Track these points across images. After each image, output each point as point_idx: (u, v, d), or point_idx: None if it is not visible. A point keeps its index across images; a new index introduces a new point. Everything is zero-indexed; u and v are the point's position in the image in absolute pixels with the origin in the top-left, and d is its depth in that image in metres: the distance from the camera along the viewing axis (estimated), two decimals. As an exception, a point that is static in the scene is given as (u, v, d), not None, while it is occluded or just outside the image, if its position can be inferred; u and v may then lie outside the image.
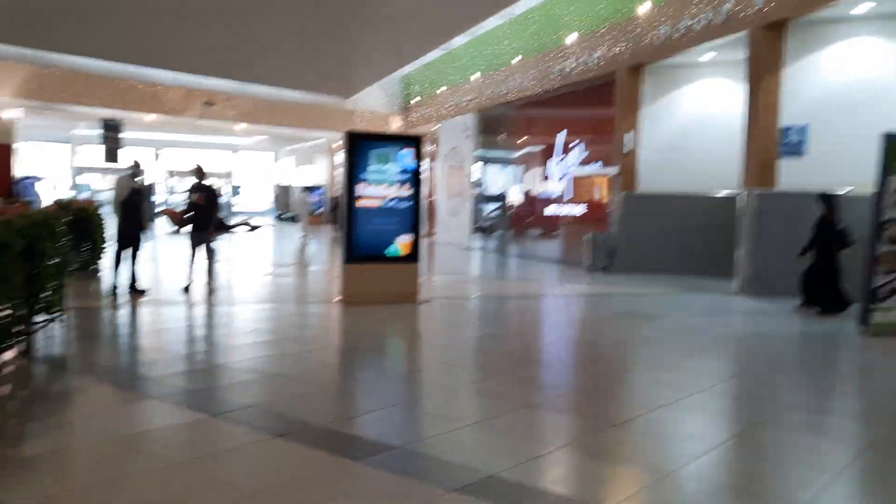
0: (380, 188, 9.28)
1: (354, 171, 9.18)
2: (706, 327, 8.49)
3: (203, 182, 10.11)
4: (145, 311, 8.55)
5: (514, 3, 17.49)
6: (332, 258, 16.36)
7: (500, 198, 20.53)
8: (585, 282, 13.02)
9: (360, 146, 9.21)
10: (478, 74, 21.14)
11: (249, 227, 28.38)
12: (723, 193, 13.24)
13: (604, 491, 3.64)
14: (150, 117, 30.41)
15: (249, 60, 21.64)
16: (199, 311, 8.72)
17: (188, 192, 10.08)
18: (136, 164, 9.86)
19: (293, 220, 37.06)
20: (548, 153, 18.04)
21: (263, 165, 45.55)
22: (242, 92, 28.32)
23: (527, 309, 10.16)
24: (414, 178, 9.46)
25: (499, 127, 20.68)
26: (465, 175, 21.49)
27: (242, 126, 32.03)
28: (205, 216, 9.87)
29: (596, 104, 16.30)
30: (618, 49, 14.48)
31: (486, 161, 21.38)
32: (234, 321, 8.21)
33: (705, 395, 5.35)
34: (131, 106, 29.02)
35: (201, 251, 9.92)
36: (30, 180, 36.52)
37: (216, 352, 6.64)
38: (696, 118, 13.99)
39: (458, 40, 22.34)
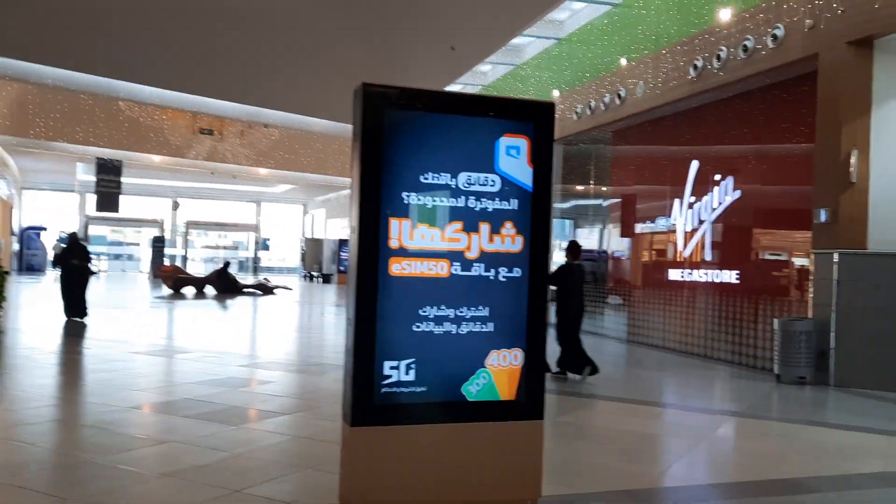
0: (444, 233, 3.61)
1: (380, 187, 3.54)
2: None
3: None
4: None
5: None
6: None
7: (595, 255, 14.78)
8: (794, 414, 7.11)
9: (394, 125, 3.58)
10: (557, 92, 15.64)
11: (265, 290, 22.91)
12: None
13: None
14: (157, 159, 25.77)
15: (267, 82, 17.24)
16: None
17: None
18: None
19: (325, 279, 31.63)
20: (670, 195, 12.30)
21: (293, 219, 40.74)
22: (258, 118, 23.56)
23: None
24: (531, 206, 3.78)
25: (589, 162, 15.06)
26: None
27: (264, 172, 27.29)
28: None
29: (755, 117, 10.58)
30: (824, 16, 8.77)
31: (576, 206, 15.73)
32: None
33: None
34: (132, 145, 24.46)
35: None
36: (35, 230, 32.39)
37: None
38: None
39: (532, 48, 17.01)
